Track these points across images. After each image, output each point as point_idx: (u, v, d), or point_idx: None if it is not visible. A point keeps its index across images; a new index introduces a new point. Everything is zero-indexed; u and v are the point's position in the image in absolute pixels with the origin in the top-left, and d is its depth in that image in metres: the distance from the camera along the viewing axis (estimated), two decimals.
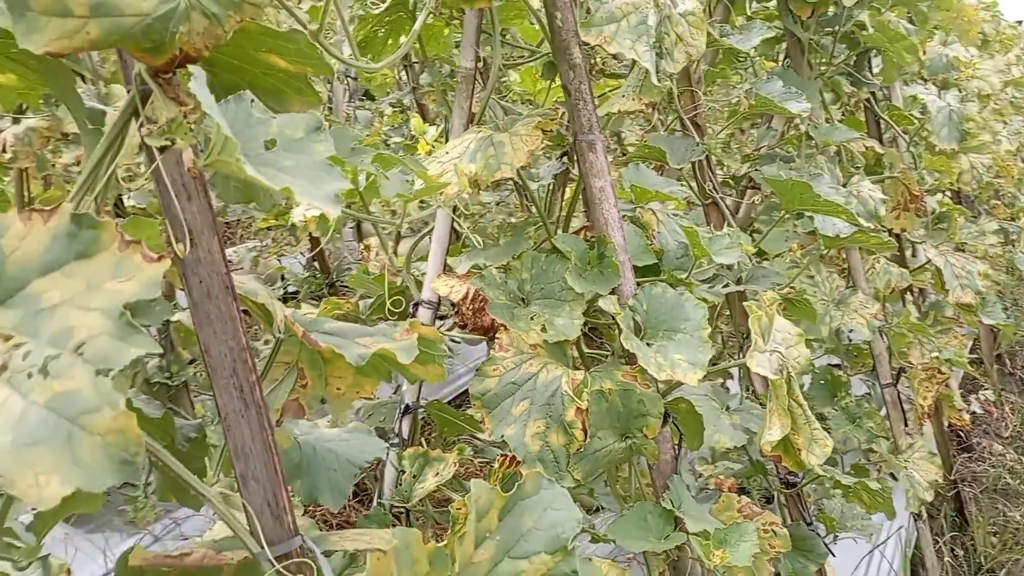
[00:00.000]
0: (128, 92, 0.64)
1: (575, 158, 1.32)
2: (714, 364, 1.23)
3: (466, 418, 1.56)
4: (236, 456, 0.69)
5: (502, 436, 1.13)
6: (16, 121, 1.41)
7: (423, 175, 0.99)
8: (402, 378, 1.16)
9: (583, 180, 1.28)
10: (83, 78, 1.15)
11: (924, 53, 3.27)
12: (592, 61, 1.33)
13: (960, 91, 4.18)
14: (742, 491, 1.95)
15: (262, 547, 0.68)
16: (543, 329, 1.20)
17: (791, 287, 1.85)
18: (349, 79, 3.76)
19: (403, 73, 2.34)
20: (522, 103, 1.93)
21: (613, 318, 1.19)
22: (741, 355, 1.76)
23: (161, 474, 0.91)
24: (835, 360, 2.63)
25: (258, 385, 0.68)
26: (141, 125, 0.57)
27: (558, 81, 1.51)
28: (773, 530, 1.34)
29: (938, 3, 3.27)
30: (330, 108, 2.85)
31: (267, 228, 3.21)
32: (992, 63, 6.20)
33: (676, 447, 1.25)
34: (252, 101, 0.58)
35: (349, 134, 0.89)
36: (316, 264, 3.43)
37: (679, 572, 1.29)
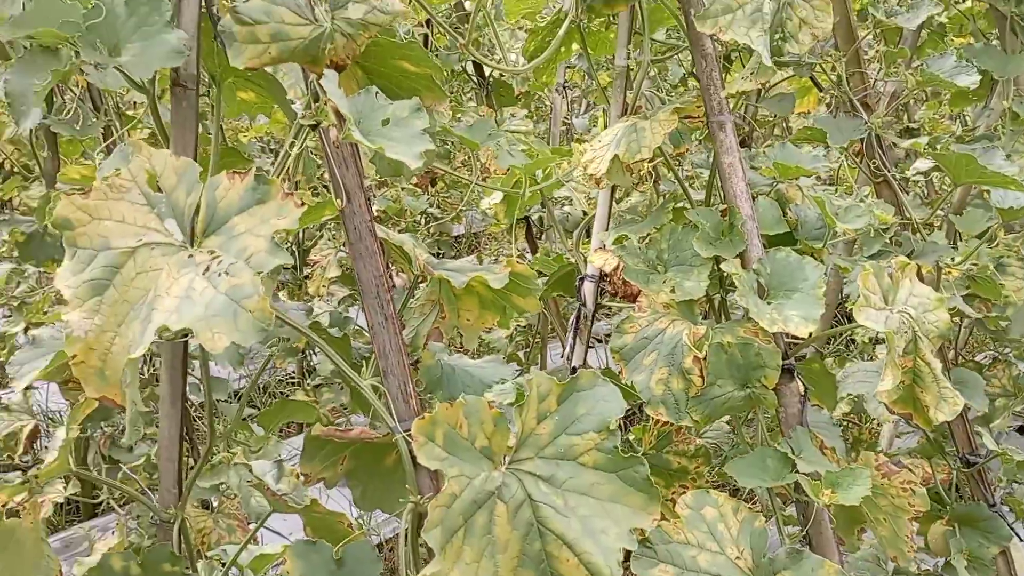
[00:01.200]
0: (308, 92, 0.92)
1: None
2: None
3: None
4: (380, 355, 0.94)
5: (631, 382, 1.31)
6: None
7: (547, 155, 1.20)
8: None
9: (715, 157, 1.41)
10: None
11: None
12: (729, 54, 1.46)
13: None
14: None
15: (395, 422, 0.92)
16: (672, 290, 1.35)
17: (974, 263, 1.80)
18: (566, 89, 4.06)
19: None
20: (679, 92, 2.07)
21: (723, 280, 1.32)
22: None
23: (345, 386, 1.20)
24: None
25: (392, 303, 0.93)
26: (304, 116, 0.84)
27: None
28: (912, 489, 1.37)
29: None
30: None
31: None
32: None
33: (802, 400, 1.34)
34: (376, 93, 0.82)
35: (488, 123, 1.11)
36: None
37: (807, 517, 1.37)
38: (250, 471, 1.22)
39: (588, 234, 1.74)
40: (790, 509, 1.74)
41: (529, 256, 2.27)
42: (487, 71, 2.09)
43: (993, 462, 1.81)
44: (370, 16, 0.83)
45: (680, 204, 1.54)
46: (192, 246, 0.78)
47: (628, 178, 1.60)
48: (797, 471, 1.24)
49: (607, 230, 1.63)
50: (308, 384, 3.09)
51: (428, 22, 1.77)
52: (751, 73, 1.35)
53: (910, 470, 1.39)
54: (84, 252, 0.78)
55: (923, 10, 1.75)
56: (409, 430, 0.92)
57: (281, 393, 3.44)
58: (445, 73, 1.12)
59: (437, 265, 1.00)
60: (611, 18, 1.66)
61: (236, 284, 0.72)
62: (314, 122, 0.83)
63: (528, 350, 2.73)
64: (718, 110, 1.39)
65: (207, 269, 0.75)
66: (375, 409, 0.95)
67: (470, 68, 2.21)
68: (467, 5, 2.46)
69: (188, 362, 1.12)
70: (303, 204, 0.76)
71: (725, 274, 1.37)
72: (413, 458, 0.93)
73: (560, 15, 1.58)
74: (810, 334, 1.22)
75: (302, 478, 1.02)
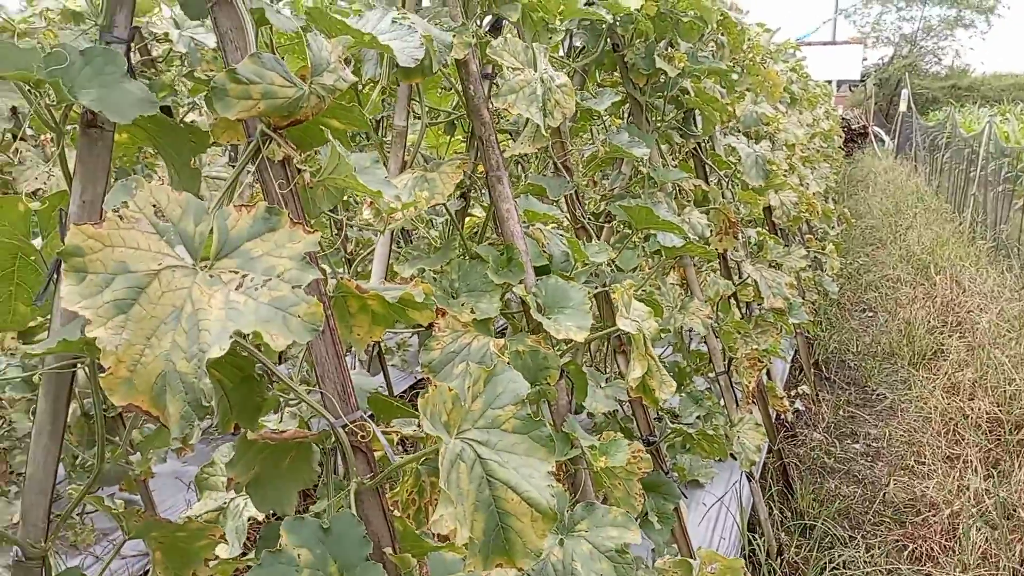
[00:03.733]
0: (250, 141, 1.07)
1: (486, 190, 1.80)
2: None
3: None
4: (316, 363, 1.11)
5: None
6: None
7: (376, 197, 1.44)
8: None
9: (494, 204, 1.76)
10: None
11: (735, 111, 3.98)
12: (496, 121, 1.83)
13: (771, 141, 5.05)
14: None
15: (335, 418, 1.10)
16: (472, 311, 1.66)
17: (642, 289, 2.40)
18: None
19: None
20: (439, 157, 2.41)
21: (522, 302, 1.67)
22: (608, 342, 2.29)
23: (230, 399, 1.28)
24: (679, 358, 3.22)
25: (332, 316, 1.10)
26: (260, 158, 1.00)
27: (456, 136, 2.01)
28: (640, 456, 1.84)
29: (749, 70, 4.05)
30: None
31: None
32: (797, 118, 7.27)
33: (569, 394, 1.74)
34: (335, 145, 1.02)
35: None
36: None
37: (575, 487, 1.76)
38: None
39: None
40: None
41: None
42: None
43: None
44: (337, 83, 1.02)
45: (459, 244, 1.85)
46: (203, 270, 0.91)
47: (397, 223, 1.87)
48: (577, 447, 1.63)
49: (387, 264, 1.88)
50: None
51: None
52: (528, 139, 1.73)
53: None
54: (98, 276, 0.85)
55: (607, 98, 2.31)
56: (345, 426, 1.10)
57: None
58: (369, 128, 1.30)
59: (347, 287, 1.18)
60: (388, 86, 1.93)
61: (278, 296, 0.87)
62: (280, 158, 1.00)
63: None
64: (496, 167, 1.74)
65: (240, 286, 0.89)
66: (308, 411, 1.11)
67: None
68: None
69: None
70: (314, 231, 0.93)
71: (515, 297, 1.72)
72: (352, 447, 1.11)
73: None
74: (585, 338, 1.62)
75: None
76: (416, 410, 1.17)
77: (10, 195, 1.12)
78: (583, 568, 1.43)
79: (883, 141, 25.19)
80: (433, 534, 1.22)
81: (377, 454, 1.15)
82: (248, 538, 1.77)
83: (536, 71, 1.69)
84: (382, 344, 1.81)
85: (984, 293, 5.80)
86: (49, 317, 1.16)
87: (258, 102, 0.97)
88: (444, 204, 1.81)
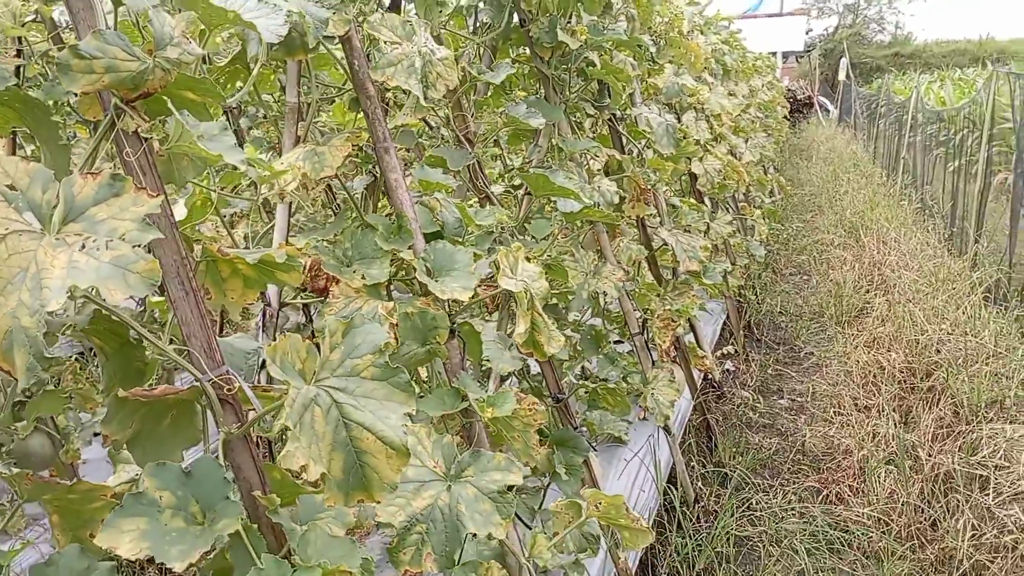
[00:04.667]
0: (106, 114, 1.13)
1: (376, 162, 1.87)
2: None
3: None
4: (182, 323, 1.18)
5: None
6: None
7: (270, 169, 1.51)
8: None
9: (383, 175, 1.83)
10: None
11: (657, 83, 4.07)
12: (385, 95, 1.90)
13: (698, 112, 5.16)
14: None
15: (202, 373, 1.17)
16: (363, 277, 1.74)
17: (549, 255, 2.50)
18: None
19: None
20: (336, 131, 2.47)
21: (412, 267, 1.75)
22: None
23: (112, 365, 1.34)
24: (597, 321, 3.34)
25: (194, 279, 1.17)
26: (116, 130, 1.06)
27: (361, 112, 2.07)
28: (535, 408, 1.94)
29: (670, 43, 4.15)
30: None
31: None
32: (731, 89, 7.42)
33: (462, 353, 1.82)
34: (187, 114, 1.08)
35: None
36: None
37: (470, 438, 1.85)
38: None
39: None
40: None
41: None
42: None
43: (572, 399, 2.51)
44: (182, 56, 1.08)
45: (354, 214, 1.92)
46: (51, 233, 0.97)
47: (306, 194, 1.94)
48: (466, 400, 1.72)
49: (287, 234, 1.94)
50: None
51: None
52: (411, 110, 1.80)
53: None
54: None
55: (503, 70, 2.39)
56: (212, 380, 1.18)
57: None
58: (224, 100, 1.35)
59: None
60: (278, 63, 1.98)
61: (118, 255, 0.94)
62: (133, 130, 1.06)
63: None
64: (383, 139, 1.82)
65: (83, 247, 0.96)
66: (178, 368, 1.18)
67: None
68: None
69: None
70: (157, 195, 1.00)
71: (404, 262, 1.80)
72: (221, 400, 1.19)
73: (239, 58, 1.87)
74: (470, 299, 1.70)
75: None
76: None
77: None
78: (467, 510, 1.52)
79: (828, 111, 25.65)
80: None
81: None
82: None
83: (414, 45, 1.76)
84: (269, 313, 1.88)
85: (908, 252, 6.02)
86: None
87: (102, 76, 1.03)
88: (338, 177, 1.88)
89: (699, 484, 3.29)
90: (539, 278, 1.92)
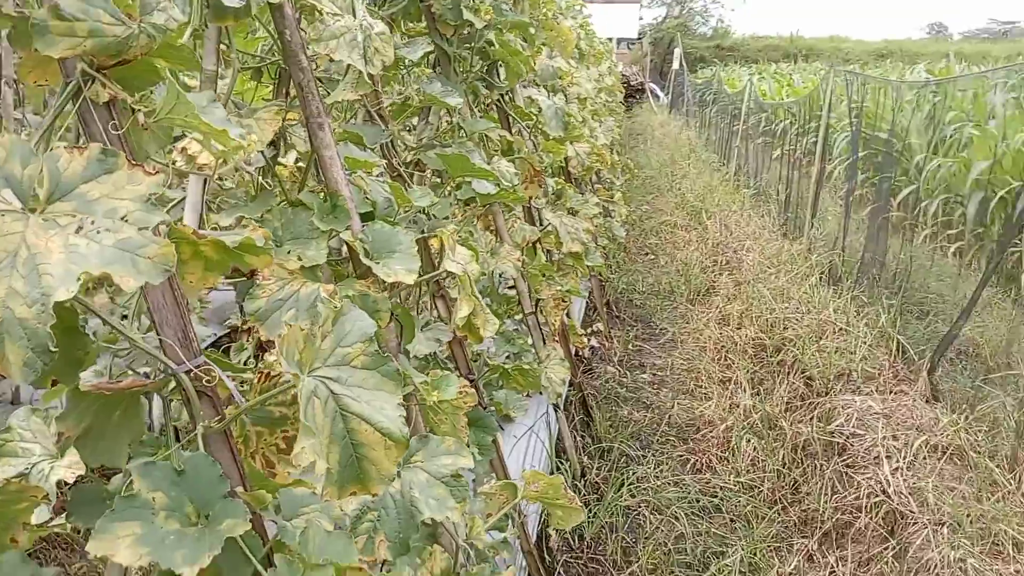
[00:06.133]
0: (67, 81, 1.01)
1: (296, 138, 1.79)
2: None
3: None
4: (153, 309, 1.09)
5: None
6: None
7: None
8: None
9: (316, 152, 1.75)
10: None
11: (536, 64, 4.12)
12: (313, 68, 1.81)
13: (565, 95, 5.27)
14: None
15: (175, 364, 1.09)
16: (299, 259, 1.66)
17: (459, 235, 2.49)
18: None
19: None
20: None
21: (349, 248, 1.69)
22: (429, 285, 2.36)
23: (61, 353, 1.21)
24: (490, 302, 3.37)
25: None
26: (81, 99, 0.96)
27: (264, 83, 1.96)
28: (466, 391, 1.94)
29: (544, 25, 4.20)
30: None
31: None
32: (587, 73, 7.61)
33: (399, 336, 1.79)
34: (173, 84, 0.99)
35: None
36: None
37: (408, 422, 1.82)
38: None
39: None
40: None
41: None
42: None
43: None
44: (168, 22, 0.99)
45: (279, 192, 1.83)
46: (35, 214, 0.87)
47: (227, 167, 1.82)
48: (411, 383, 1.69)
49: (201, 213, 1.82)
50: None
51: None
52: (351, 85, 1.73)
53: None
54: None
55: (419, 47, 2.34)
56: (189, 371, 1.10)
57: None
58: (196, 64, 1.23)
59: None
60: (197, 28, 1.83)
61: (124, 238, 0.86)
62: (105, 100, 0.96)
63: None
64: (316, 113, 1.73)
65: (80, 229, 0.86)
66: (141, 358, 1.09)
67: None
68: None
69: None
70: (156, 172, 0.92)
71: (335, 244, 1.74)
72: (199, 392, 1.11)
73: None
74: (415, 280, 1.67)
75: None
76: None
77: None
78: (421, 495, 1.51)
79: (659, 97, 26.92)
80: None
81: None
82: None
83: (356, 18, 1.69)
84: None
85: (748, 235, 6.48)
86: None
87: (84, 40, 0.93)
88: (261, 152, 1.77)
89: (584, 458, 3.41)
90: (471, 261, 1.92)
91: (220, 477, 1.01)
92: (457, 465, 1.58)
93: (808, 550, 2.84)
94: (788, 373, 3.98)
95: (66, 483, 1.52)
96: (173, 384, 1.14)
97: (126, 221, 0.88)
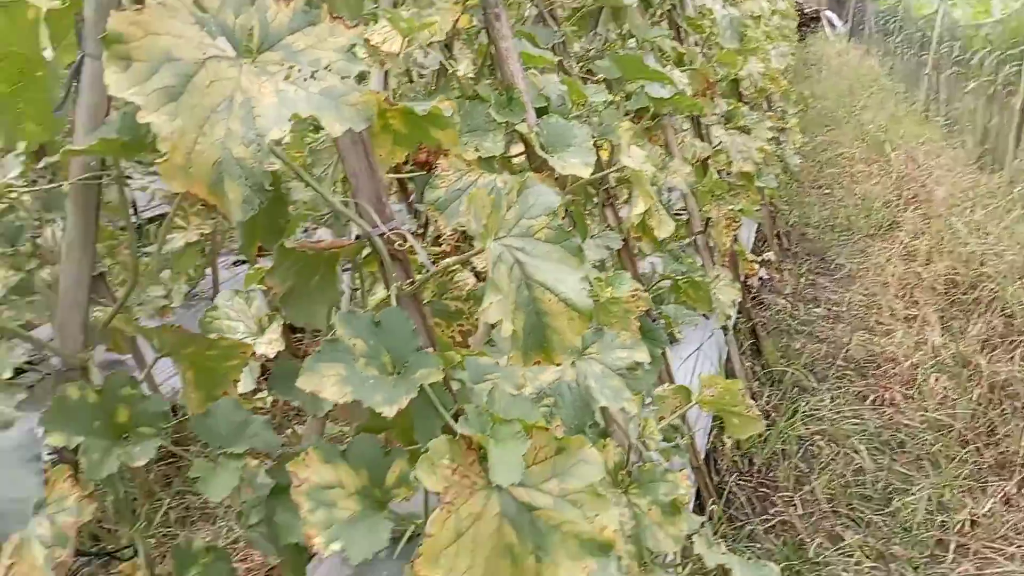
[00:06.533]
0: None
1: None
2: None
3: None
4: (350, 174, 1.11)
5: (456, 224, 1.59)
6: None
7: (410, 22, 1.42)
8: None
9: (492, 43, 1.74)
10: None
11: None
12: None
13: (739, 9, 4.99)
14: None
15: (371, 227, 1.11)
16: (476, 150, 1.66)
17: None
18: None
19: None
20: None
21: (524, 141, 1.68)
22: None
23: (257, 219, 1.28)
24: None
25: (366, 130, 1.10)
26: None
27: None
28: (639, 294, 1.90)
29: None
30: None
31: None
32: None
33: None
34: None
35: None
36: None
37: None
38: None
39: None
40: None
41: None
42: None
43: None
44: None
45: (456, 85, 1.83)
46: (250, 61, 0.89)
47: (402, 61, 1.84)
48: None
49: None
50: None
51: None
52: None
53: None
54: (143, 64, 0.84)
55: None
56: (383, 235, 1.12)
57: None
58: None
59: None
60: None
61: (328, 86, 0.87)
62: None
63: None
64: (494, 3, 1.71)
65: (287, 76, 0.88)
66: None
67: None
68: None
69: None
70: (355, 26, 0.92)
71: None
72: (392, 255, 1.14)
73: None
74: (589, 175, 1.64)
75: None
76: None
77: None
78: (596, 384, 1.50)
79: (835, 26, 25.05)
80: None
81: None
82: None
83: None
84: None
85: (939, 167, 5.95)
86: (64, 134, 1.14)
87: None
88: (440, 42, 1.78)
89: (754, 384, 3.30)
90: (646, 161, 1.85)
91: (413, 331, 1.04)
92: (633, 358, 1.55)
93: (1005, 493, 2.62)
94: (985, 311, 3.64)
95: (267, 357, 1.62)
96: (367, 251, 1.17)
97: (329, 70, 0.89)
